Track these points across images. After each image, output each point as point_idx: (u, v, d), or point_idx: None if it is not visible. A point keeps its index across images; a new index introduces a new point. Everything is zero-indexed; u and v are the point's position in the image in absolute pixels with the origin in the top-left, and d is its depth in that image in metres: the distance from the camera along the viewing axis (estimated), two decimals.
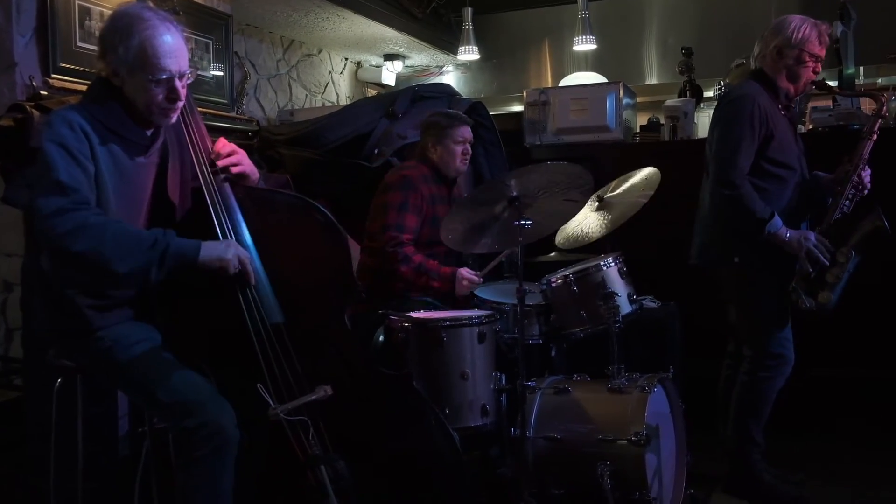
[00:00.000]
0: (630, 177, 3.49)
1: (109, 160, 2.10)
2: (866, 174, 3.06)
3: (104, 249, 1.94)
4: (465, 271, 3.20)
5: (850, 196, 3.02)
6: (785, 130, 3.06)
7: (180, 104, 2.18)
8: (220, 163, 2.28)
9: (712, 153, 3.03)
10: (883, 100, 3.07)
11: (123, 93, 2.14)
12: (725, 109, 3.06)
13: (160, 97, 2.13)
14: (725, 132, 2.99)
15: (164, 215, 2.23)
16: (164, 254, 1.99)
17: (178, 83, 2.14)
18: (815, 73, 3.07)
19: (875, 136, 3.04)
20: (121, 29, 2.10)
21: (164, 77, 2.11)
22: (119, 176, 2.13)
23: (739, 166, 2.93)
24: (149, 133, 2.22)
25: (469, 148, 3.51)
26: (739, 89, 3.09)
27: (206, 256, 2.06)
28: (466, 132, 3.48)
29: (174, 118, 2.21)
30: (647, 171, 3.43)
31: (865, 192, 3.05)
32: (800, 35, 3.01)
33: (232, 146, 2.33)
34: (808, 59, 3.03)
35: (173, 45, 2.12)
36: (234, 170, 2.29)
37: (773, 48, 3.05)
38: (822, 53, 3.07)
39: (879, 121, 3.04)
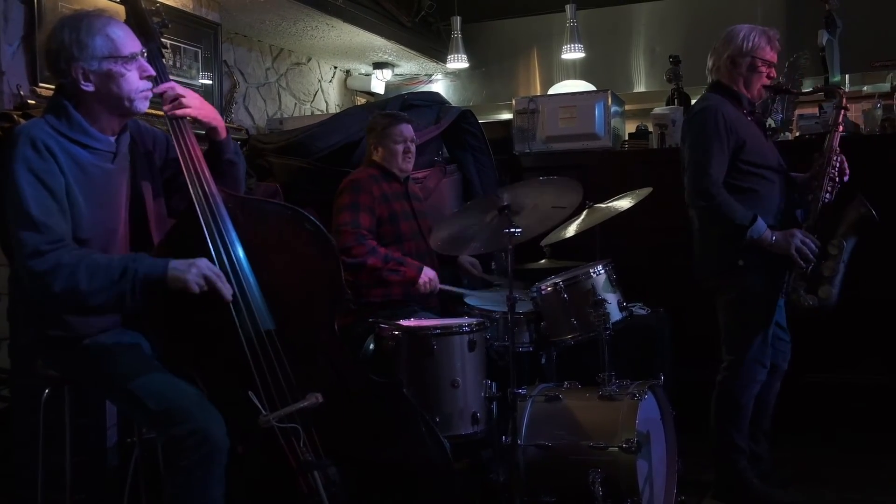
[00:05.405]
0: (627, 195, 3.46)
1: (78, 171, 2.11)
2: (841, 160, 3.05)
3: (79, 286, 1.98)
4: (429, 270, 3.22)
5: (829, 188, 3.04)
6: (756, 134, 3.08)
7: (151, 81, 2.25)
8: (165, 107, 2.29)
9: (684, 167, 3.06)
10: (840, 92, 3.15)
11: (91, 99, 2.15)
12: (691, 123, 3.10)
13: (137, 79, 2.19)
14: (694, 145, 3.02)
15: (143, 221, 2.24)
16: (134, 282, 2.02)
17: (143, 60, 2.22)
18: (769, 77, 3.10)
19: (841, 128, 3.07)
20: (77, 31, 2.12)
21: (135, 53, 2.18)
22: (90, 185, 2.14)
23: (713, 176, 2.94)
24: (112, 139, 2.23)
25: (411, 146, 3.48)
26: (701, 102, 3.12)
27: (171, 277, 2.06)
28: (406, 130, 3.46)
29: (148, 101, 2.25)
30: (641, 190, 3.42)
31: (846, 177, 3.06)
32: (750, 43, 3.05)
33: (176, 93, 2.29)
34: (760, 65, 3.06)
35: (126, 28, 2.22)
36: (178, 111, 2.29)
37: (726, 58, 3.09)
38: (775, 59, 3.11)
39: (842, 112, 3.08)
